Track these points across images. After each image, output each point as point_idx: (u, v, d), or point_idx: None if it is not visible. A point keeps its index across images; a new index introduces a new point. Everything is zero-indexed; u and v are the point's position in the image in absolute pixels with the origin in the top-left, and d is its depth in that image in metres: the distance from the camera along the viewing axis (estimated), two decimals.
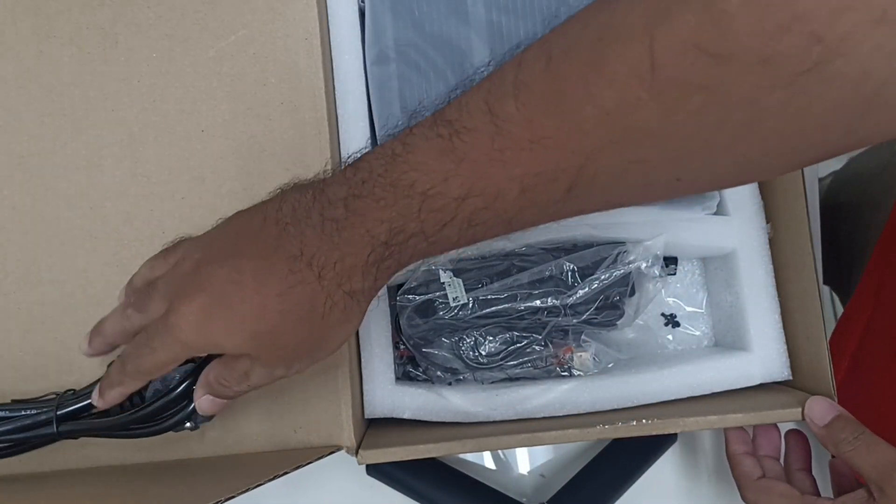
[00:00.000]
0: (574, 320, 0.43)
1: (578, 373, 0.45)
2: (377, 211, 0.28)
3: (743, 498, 0.41)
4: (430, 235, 0.28)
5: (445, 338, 0.44)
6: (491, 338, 0.44)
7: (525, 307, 0.43)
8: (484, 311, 0.43)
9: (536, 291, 0.43)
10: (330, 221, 0.29)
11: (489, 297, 0.43)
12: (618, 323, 0.45)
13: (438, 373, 0.45)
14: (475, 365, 0.44)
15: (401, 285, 0.46)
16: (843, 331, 0.53)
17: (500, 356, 0.44)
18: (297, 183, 0.32)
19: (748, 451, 0.43)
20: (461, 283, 0.43)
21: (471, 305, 0.43)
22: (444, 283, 0.43)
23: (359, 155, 0.30)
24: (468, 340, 0.44)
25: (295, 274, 0.29)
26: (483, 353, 0.44)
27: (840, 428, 0.38)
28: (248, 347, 0.31)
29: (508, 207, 0.27)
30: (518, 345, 0.44)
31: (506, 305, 0.43)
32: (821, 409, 0.39)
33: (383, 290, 0.43)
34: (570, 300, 0.43)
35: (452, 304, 0.43)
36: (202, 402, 0.35)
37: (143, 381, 0.35)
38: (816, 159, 0.25)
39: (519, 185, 0.26)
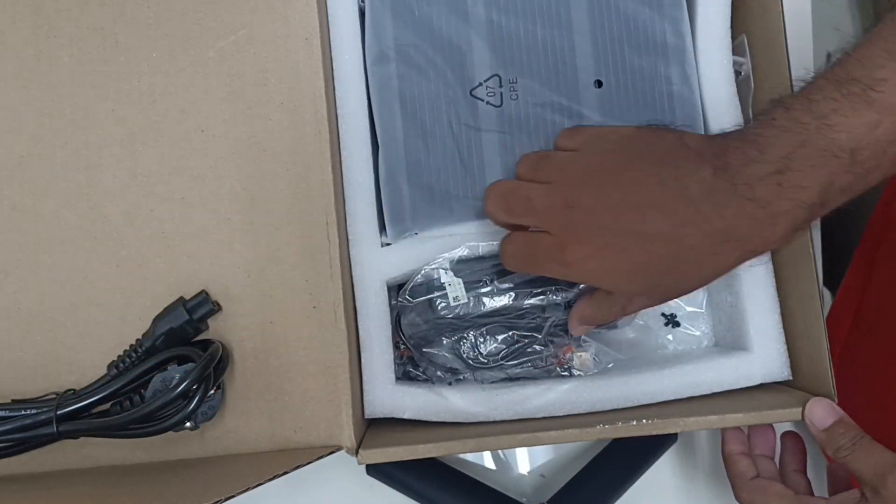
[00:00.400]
0: None
1: (578, 373, 0.45)
2: (807, 179, 0.30)
3: (737, 497, 0.41)
4: (856, 185, 0.30)
5: (446, 337, 0.44)
6: (491, 337, 0.44)
7: (527, 304, 0.43)
8: (484, 310, 0.43)
9: (537, 290, 0.43)
10: (753, 202, 0.31)
11: (489, 295, 0.43)
12: (618, 322, 0.45)
13: (438, 373, 0.45)
14: (475, 364, 0.44)
15: (401, 285, 0.46)
16: (832, 323, 0.53)
17: (501, 356, 0.44)
18: (679, 162, 0.34)
19: (744, 450, 0.43)
20: (461, 283, 0.43)
21: (471, 304, 0.43)
22: (444, 283, 0.43)
23: (746, 128, 0.33)
24: (468, 340, 0.44)
25: (716, 248, 0.32)
26: (483, 352, 0.44)
27: (840, 434, 0.38)
28: (640, 296, 0.36)
29: None
30: (518, 344, 0.44)
31: (506, 303, 0.43)
32: (821, 412, 0.39)
33: (384, 291, 0.43)
34: (571, 296, 0.43)
35: (453, 304, 0.43)
36: (577, 330, 0.42)
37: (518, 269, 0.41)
38: None
39: None
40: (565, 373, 0.45)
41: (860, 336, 0.50)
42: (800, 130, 0.30)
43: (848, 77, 0.30)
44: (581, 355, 0.45)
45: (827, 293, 0.63)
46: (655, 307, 0.49)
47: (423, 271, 0.44)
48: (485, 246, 0.44)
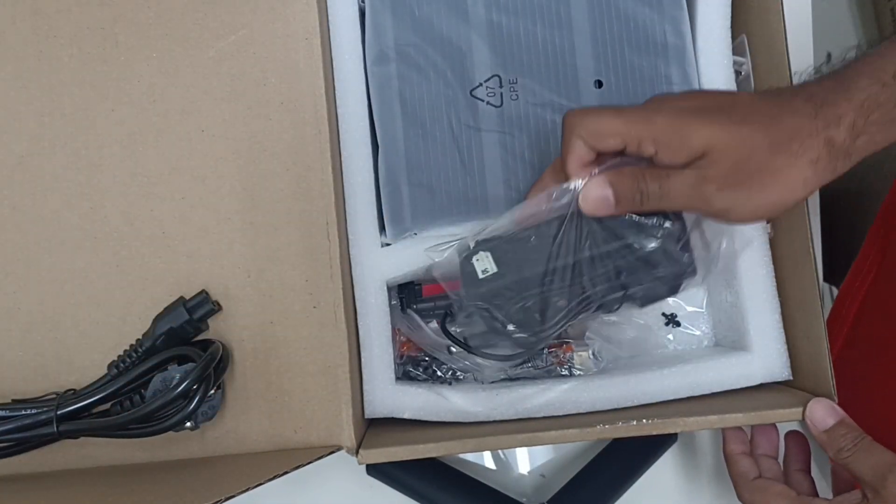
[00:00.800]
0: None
1: (579, 372, 0.45)
2: (879, 59, 0.33)
3: (739, 497, 0.41)
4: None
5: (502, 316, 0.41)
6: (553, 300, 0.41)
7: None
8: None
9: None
10: (828, 77, 0.34)
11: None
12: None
13: (439, 372, 0.45)
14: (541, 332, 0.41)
15: (401, 285, 0.46)
16: (837, 313, 0.53)
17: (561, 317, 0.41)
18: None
19: (745, 450, 0.43)
20: (489, 255, 0.41)
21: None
22: (473, 257, 0.40)
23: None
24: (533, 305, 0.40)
25: (790, 104, 0.33)
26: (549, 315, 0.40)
27: (841, 435, 0.38)
28: (715, 151, 0.33)
29: None
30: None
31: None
32: (821, 413, 0.39)
33: (384, 290, 0.43)
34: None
35: (481, 277, 0.41)
36: (593, 197, 0.35)
37: (590, 141, 0.35)
38: None
39: None
40: (565, 372, 0.45)
41: (864, 328, 0.50)
42: (868, 69, 0.33)
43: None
44: (581, 354, 0.45)
45: (826, 291, 0.63)
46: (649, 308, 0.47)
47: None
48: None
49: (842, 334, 0.51)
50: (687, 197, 0.34)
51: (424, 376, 0.46)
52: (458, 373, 0.45)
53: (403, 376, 0.46)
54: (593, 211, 0.36)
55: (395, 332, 0.45)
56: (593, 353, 0.45)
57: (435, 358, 0.45)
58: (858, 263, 0.52)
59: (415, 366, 0.46)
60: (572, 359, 0.45)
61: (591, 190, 0.35)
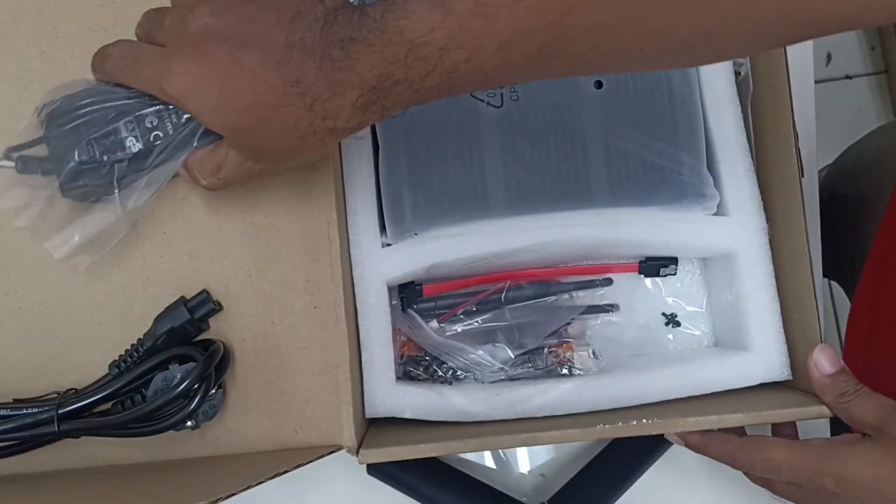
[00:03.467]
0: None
1: (579, 371, 0.45)
2: (369, 56, 0.30)
3: (687, 444, 0.42)
4: (415, 83, 0.30)
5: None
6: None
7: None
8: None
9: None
10: (328, 60, 0.31)
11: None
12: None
13: (439, 372, 0.45)
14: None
15: (402, 285, 0.46)
16: (854, 320, 0.53)
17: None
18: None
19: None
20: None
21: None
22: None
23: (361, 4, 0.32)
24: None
25: (289, 97, 0.31)
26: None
27: (844, 381, 0.38)
28: (224, 130, 0.33)
29: (486, 62, 0.29)
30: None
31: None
32: (827, 359, 0.40)
33: (384, 291, 0.44)
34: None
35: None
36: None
37: (107, 77, 0.36)
38: (779, 38, 0.29)
39: (497, 41, 0.29)
40: (565, 372, 0.45)
41: (882, 329, 0.50)
42: (374, 13, 0.31)
43: None
44: (582, 354, 0.45)
45: (827, 288, 0.63)
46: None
47: None
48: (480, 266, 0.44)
49: (859, 355, 0.51)
50: (239, 177, 0.36)
51: (425, 376, 0.46)
52: (459, 372, 0.45)
53: (404, 376, 0.46)
54: None
55: (395, 332, 0.45)
56: (593, 353, 0.45)
57: (435, 358, 0.46)
58: (865, 280, 0.52)
59: (415, 365, 0.46)
60: (572, 358, 0.45)
61: None
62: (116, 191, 0.38)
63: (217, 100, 0.32)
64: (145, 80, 0.34)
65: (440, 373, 0.45)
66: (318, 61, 0.31)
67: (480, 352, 0.45)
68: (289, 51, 0.31)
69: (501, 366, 0.45)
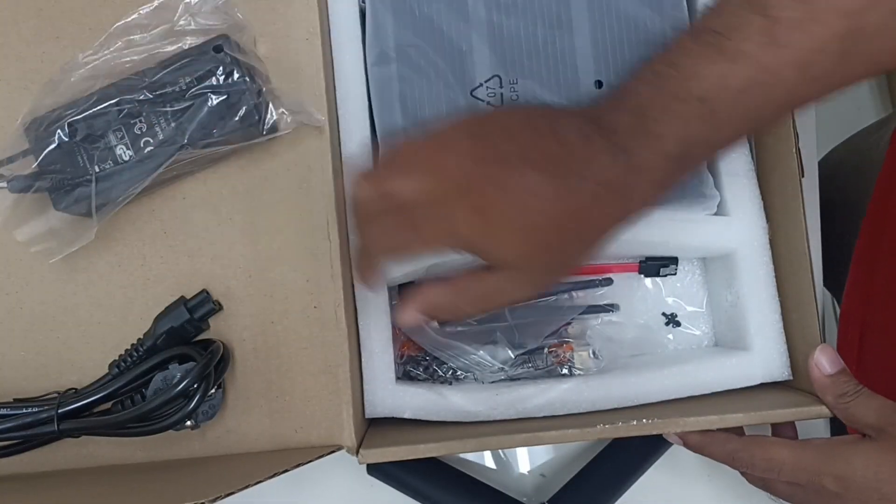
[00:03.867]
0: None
1: (579, 371, 0.45)
2: (665, 128, 0.30)
3: (686, 444, 0.42)
4: (717, 136, 0.30)
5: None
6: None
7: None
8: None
9: None
10: (620, 149, 0.30)
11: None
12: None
13: (440, 372, 0.45)
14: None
15: (401, 285, 0.46)
16: (845, 323, 0.53)
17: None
18: (549, 109, 0.33)
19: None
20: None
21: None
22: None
23: (616, 85, 0.32)
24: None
25: (589, 194, 0.30)
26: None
27: (844, 381, 0.38)
28: (524, 261, 0.31)
29: (788, 89, 0.29)
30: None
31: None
32: (827, 360, 0.39)
33: (384, 291, 0.44)
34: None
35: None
36: (407, 317, 0.34)
37: (392, 258, 0.35)
38: None
39: (795, 66, 0.28)
40: (565, 371, 0.45)
41: (872, 338, 0.50)
42: (655, 79, 0.30)
43: (704, 27, 0.30)
44: (582, 354, 0.45)
45: (829, 295, 0.63)
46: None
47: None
48: None
49: (853, 360, 0.51)
50: (506, 303, 0.36)
51: (425, 376, 0.46)
52: (459, 372, 0.45)
53: (404, 376, 0.46)
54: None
55: (395, 332, 0.45)
56: (593, 353, 0.45)
57: (435, 358, 0.46)
58: (850, 285, 0.53)
59: (415, 365, 0.46)
60: (572, 358, 0.45)
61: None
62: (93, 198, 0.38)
63: (522, 223, 0.30)
64: (430, 239, 0.31)
65: (440, 373, 0.45)
66: (607, 152, 0.30)
67: (481, 352, 0.45)
68: (572, 155, 0.30)
69: (501, 366, 0.45)
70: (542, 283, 0.33)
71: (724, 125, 0.30)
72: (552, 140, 0.30)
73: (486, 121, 0.32)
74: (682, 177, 0.31)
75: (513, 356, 0.45)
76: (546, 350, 0.45)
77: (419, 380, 0.46)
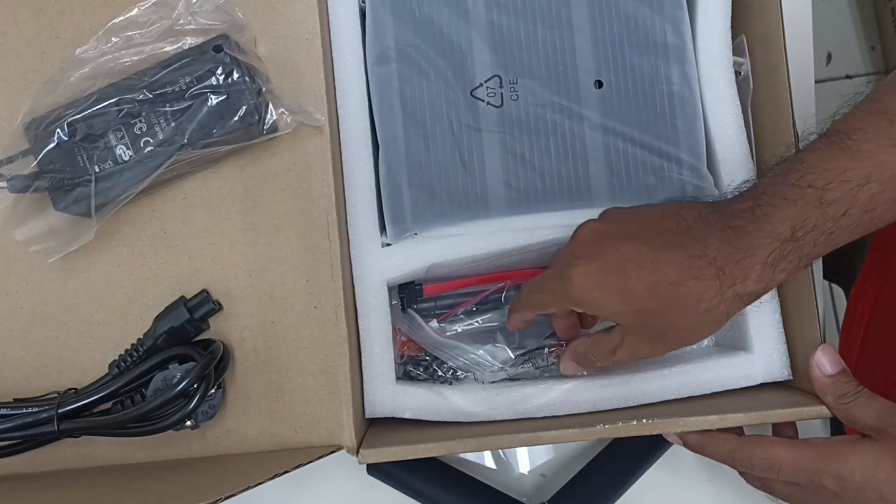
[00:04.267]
0: None
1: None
2: (779, 212, 0.33)
3: (686, 444, 0.42)
4: (829, 226, 0.33)
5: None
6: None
7: None
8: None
9: None
10: (732, 230, 0.34)
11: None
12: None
13: (440, 372, 0.45)
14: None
15: (402, 285, 0.46)
16: (851, 317, 0.53)
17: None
18: (687, 201, 0.39)
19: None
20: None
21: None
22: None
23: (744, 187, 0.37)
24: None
25: (694, 269, 0.34)
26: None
27: (845, 382, 0.38)
28: (628, 319, 0.36)
29: None
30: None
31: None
32: (828, 360, 0.39)
33: (384, 291, 0.44)
34: None
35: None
36: (567, 366, 0.43)
37: (529, 313, 0.42)
38: None
39: None
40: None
41: (876, 332, 0.50)
42: (780, 171, 0.34)
43: (833, 129, 0.34)
44: None
45: (827, 291, 0.63)
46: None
47: None
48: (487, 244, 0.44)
49: (859, 336, 0.51)
50: (631, 360, 0.39)
51: (425, 376, 0.46)
52: (459, 372, 0.45)
53: (404, 376, 0.46)
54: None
55: (395, 332, 0.45)
56: None
57: (436, 357, 0.46)
58: (866, 267, 0.52)
59: (415, 365, 0.46)
60: None
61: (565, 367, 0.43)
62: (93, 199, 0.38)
63: (620, 286, 0.35)
64: (550, 295, 0.39)
65: (440, 373, 0.45)
66: (720, 233, 0.34)
67: (480, 352, 0.45)
68: (685, 233, 0.35)
69: (501, 366, 0.45)
70: (657, 345, 0.37)
71: (838, 215, 0.33)
72: (672, 221, 0.36)
73: (633, 211, 0.39)
74: (796, 263, 0.34)
75: (513, 356, 0.45)
76: (546, 350, 0.45)
77: (419, 380, 0.46)
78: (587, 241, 0.37)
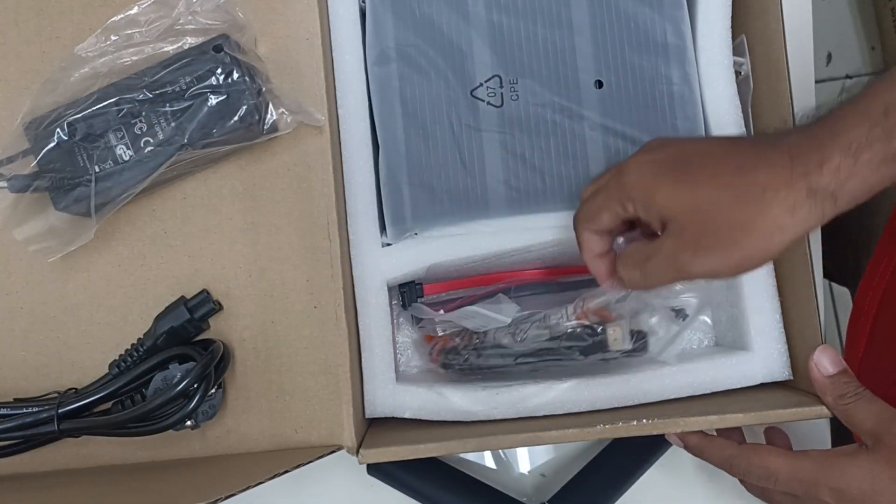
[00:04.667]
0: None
1: (610, 351, 0.42)
2: (870, 95, 0.31)
3: (685, 445, 0.42)
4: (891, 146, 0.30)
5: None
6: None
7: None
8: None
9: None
10: (814, 126, 0.32)
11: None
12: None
13: (477, 364, 0.45)
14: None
15: (402, 285, 0.46)
16: (859, 310, 0.52)
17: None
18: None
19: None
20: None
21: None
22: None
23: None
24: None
25: (764, 157, 0.32)
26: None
27: (844, 382, 0.38)
28: (676, 210, 0.33)
29: None
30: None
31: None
32: (828, 360, 0.38)
33: (384, 291, 0.44)
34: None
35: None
36: (606, 284, 0.38)
37: (587, 229, 0.38)
38: None
39: None
40: (588, 338, 0.42)
41: (882, 328, 0.50)
42: (850, 99, 0.32)
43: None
44: (616, 329, 0.42)
45: (827, 290, 0.63)
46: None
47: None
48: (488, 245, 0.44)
49: (866, 329, 0.51)
50: (666, 274, 0.34)
51: (465, 367, 0.45)
52: (495, 368, 0.45)
53: (444, 368, 0.46)
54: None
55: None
56: (631, 332, 0.43)
57: (474, 349, 0.45)
58: (875, 260, 0.52)
59: (455, 356, 0.45)
60: (605, 333, 0.42)
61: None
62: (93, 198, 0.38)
63: (677, 173, 0.33)
64: (603, 194, 0.36)
65: (477, 364, 0.44)
66: (798, 130, 0.32)
67: (488, 310, 0.43)
68: (760, 135, 0.34)
69: (511, 330, 0.43)
70: (699, 251, 0.33)
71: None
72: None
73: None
74: (881, 157, 0.31)
75: (518, 308, 0.43)
76: (576, 324, 0.43)
77: (461, 370, 0.45)
78: (651, 143, 0.36)
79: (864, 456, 0.35)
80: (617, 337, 0.42)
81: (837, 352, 0.39)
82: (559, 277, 0.48)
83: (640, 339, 0.43)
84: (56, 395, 0.40)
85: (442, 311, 0.46)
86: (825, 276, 0.53)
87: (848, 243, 0.58)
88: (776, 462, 0.37)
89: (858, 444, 0.36)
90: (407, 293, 0.46)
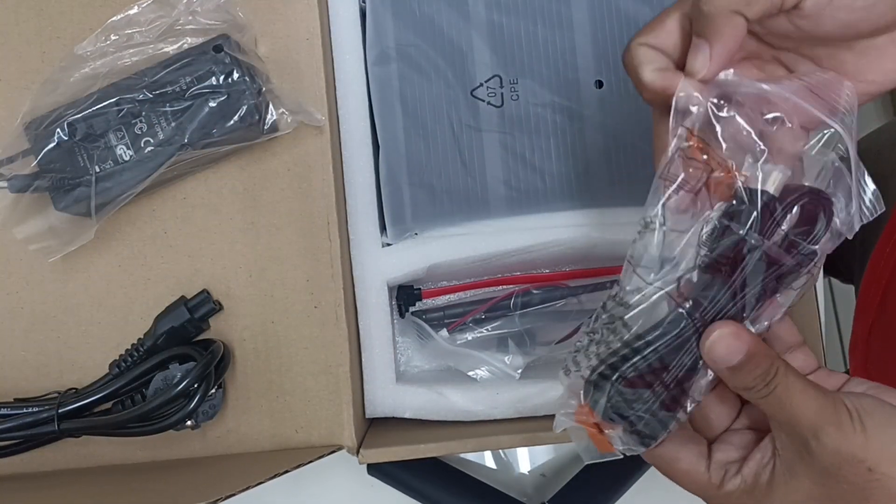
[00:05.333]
0: None
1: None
2: None
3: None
4: None
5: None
6: None
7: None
8: None
9: None
10: None
11: None
12: None
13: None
14: None
15: (400, 288, 0.46)
16: (868, 287, 0.52)
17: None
18: None
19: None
20: None
21: None
22: None
23: None
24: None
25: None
26: None
27: (749, 370, 0.27)
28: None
29: None
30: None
31: None
32: (723, 350, 0.27)
33: (384, 291, 0.44)
34: None
35: None
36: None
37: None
38: None
39: None
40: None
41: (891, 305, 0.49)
42: None
43: None
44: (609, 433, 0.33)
45: (827, 289, 0.63)
46: None
47: None
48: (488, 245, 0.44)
49: (873, 305, 0.50)
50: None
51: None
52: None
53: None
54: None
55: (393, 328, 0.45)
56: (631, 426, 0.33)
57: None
58: (881, 246, 0.51)
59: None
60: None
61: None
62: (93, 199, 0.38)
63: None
64: None
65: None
66: None
67: (494, 359, 0.44)
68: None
69: (514, 373, 0.44)
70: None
71: None
72: None
73: None
74: None
75: (524, 362, 0.44)
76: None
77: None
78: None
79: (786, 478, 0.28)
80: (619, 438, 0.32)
81: (734, 328, 0.27)
82: (566, 281, 0.48)
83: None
84: (56, 395, 0.40)
85: (445, 332, 0.46)
86: (826, 272, 0.53)
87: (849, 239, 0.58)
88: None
89: (769, 451, 0.28)
90: (403, 300, 0.46)
